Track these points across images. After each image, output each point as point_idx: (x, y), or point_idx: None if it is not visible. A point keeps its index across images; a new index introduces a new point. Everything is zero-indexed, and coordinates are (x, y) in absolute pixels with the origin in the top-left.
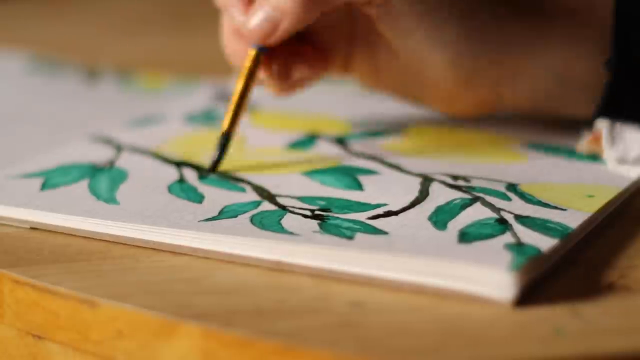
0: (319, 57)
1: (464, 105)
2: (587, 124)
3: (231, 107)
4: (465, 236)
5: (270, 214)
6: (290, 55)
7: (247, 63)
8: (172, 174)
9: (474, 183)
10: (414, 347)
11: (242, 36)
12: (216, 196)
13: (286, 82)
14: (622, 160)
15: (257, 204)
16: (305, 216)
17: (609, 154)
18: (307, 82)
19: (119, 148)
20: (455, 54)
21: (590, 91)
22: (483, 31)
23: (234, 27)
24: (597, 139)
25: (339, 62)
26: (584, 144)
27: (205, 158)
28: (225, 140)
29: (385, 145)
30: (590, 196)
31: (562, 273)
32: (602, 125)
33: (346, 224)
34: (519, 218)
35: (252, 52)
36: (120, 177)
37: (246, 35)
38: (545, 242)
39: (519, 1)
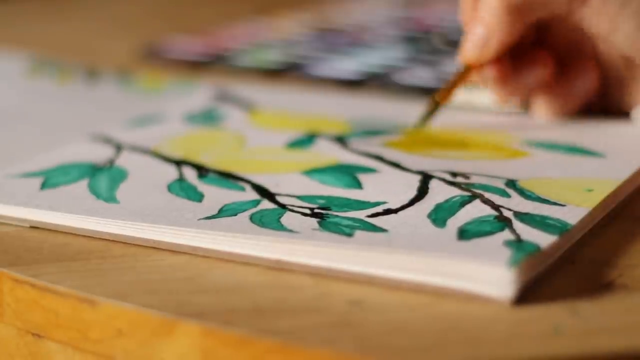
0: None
1: None
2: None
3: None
4: (464, 233)
5: (269, 212)
6: (518, 60)
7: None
8: (171, 172)
9: (473, 180)
10: (413, 346)
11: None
12: (216, 195)
13: (513, 86)
14: None
15: (257, 202)
16: (305, 214)
17: None
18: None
19: (118, 147)
20: None
21: None
22: None
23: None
24: None
25: None
26: None
27: (205, 158)
28: (434, 106)
29: (385, 142)
30: (590, 190)
31: (561, 272)
32: None
33: (345, 222)
34: (518, 215)
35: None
36: (120, 176)
37: (462, 56)
38: (544, 239)
39: None
